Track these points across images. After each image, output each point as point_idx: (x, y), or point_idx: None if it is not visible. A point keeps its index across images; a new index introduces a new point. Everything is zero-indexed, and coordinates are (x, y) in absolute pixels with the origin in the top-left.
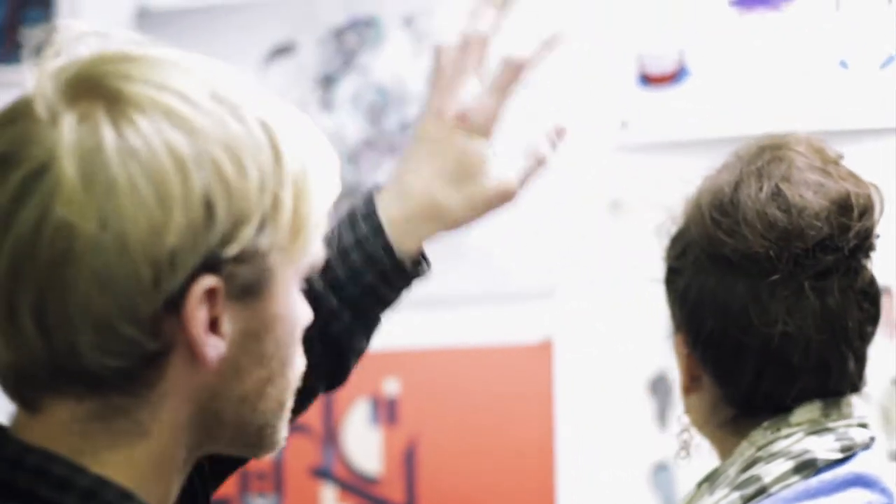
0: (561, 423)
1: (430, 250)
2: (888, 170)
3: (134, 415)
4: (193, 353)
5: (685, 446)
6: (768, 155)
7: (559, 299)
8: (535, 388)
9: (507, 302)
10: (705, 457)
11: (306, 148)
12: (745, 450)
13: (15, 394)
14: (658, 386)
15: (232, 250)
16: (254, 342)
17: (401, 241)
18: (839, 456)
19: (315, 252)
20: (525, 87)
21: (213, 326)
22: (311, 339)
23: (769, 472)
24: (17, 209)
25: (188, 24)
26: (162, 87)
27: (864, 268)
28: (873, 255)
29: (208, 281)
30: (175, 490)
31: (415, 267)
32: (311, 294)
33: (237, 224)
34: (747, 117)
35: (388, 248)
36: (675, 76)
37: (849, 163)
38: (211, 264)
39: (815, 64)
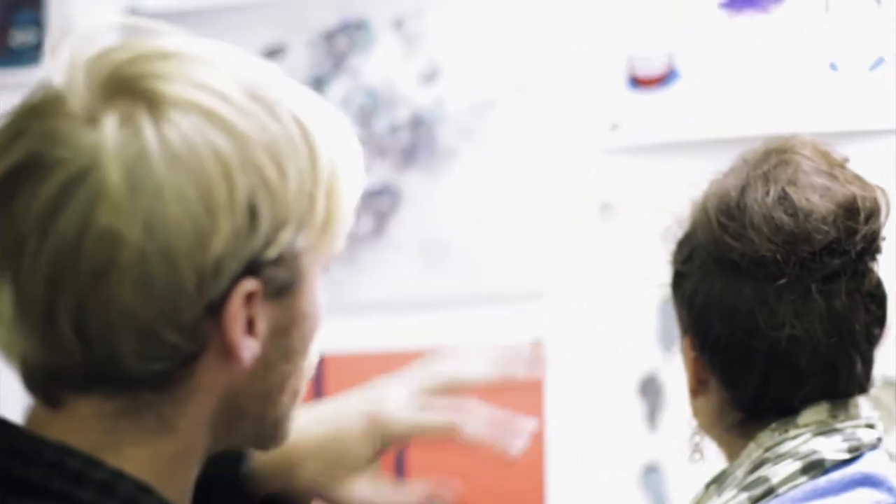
0: (550, 423)
1: (419, 254)
2: (879, 172)
3: (161, 411)
4: (228, 354)
5: (697, 449)
6: (774, 159)
7: (549, 301)
8: (525, 389)
9: (496, 304)
10: (696, 459)
11: (336, 143)
12: (753, 451)
13: (39, 390)
14: (648, 387)
15: (272, 253)
16: (282, 338)
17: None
18: (847, 456)
19: (338, 247)
20: (516, 89)
21: (249, 327)
22: None
23: (777, 472)
24: (56, 216)
25: (178, 26)
26: (201, 87)
27: (870, 270)
28: (879, 257)
29: (249, 285)
30: (192, 484)
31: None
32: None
33: (278, 227)
34: (737, 119)
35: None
36: (664, 78)
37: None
38: (252, 268)
39: (805, 66)
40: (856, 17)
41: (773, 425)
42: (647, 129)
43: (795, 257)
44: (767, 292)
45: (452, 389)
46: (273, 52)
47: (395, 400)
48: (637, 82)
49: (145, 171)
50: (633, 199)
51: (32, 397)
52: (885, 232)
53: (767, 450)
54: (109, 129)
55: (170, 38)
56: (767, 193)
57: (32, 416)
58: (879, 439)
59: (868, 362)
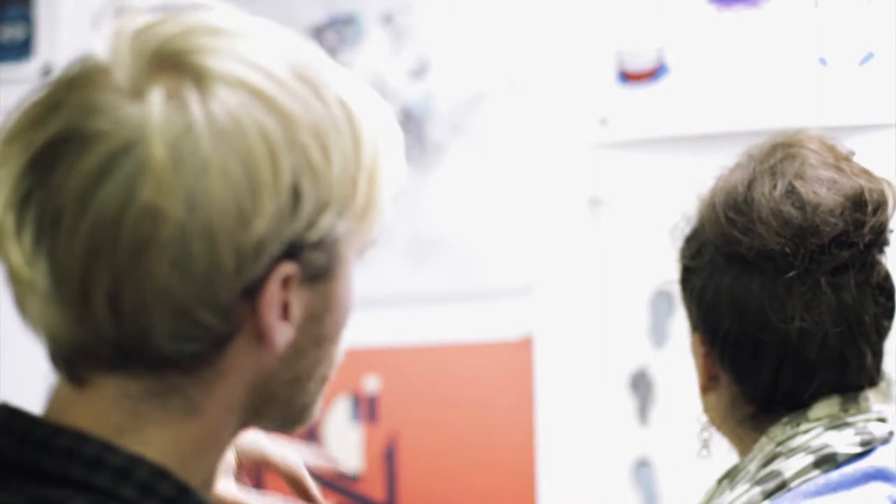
0: (541, 419)
1: (408, 249)
2: (869, 167)
3: (189, 393)
4: (260, 338)
5: (705, 445)
6: (781, 153)
7: (539, 296)
8: (516, 384)
9: (487, 298)
10: (688, 454)
11: (379, 129)
12: (765, 445)
13: (66, 366)
14: (639, 382)
15: (313, 237)
16: (315, 325)
17: None
18: (859, 450)
19: (374, 235)
20: (506, 84)
21: (284, 312)
22: None
23: (789, 466)
24: (97, 189)
25: None
26: (249, 64)
27: (878, 263)
28: (887, 249)
29: (287, 268)
30: (217, 469)
31: None
32: None
33: (320, 210)
34: (726, 114)
35: None
36: (654, 73)
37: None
38: (291, 251)
39: (795, 61)
40: (845, 11)
41: (785, 419)
42: (636, 123)
43: (804, 250)
44: (776, 286)
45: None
46: None
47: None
48: (626, 77)
49: (190, 147)
50: (622, 193)
51: (57, 374)
52: (892, 224)
53: (779, 444)
54: (155, 103)
55: (217, 13)
56: (775, 187)
57: (55, 396)
58: (891, 433)
59: (878, 354)
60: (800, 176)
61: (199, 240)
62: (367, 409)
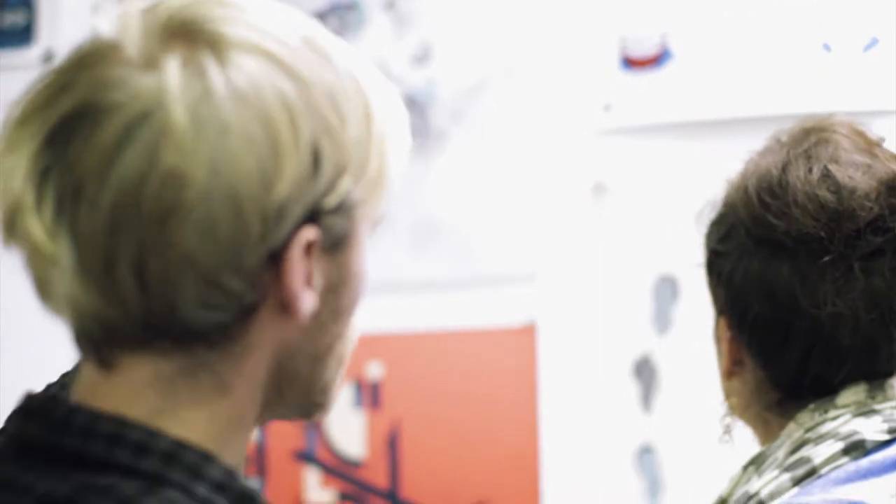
0: (545, 406)
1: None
2: None
3: (218, 370)
4: (285, 307)
5: (728, 430)
6: (814, 137)
7: (542, 282)
8: (519, 371)
9: (490, 285)
10: (692, 441)
11: (387, 105)
12: (793, 432)
13: (93, 348)
14: (642, 369)
15: (332, 201)
16: (333, 296)
17: None
18: (887, 437)
19: (383, 209)
20: (509, 70)
21: (307, 280)
22: None
23: (819, 453)
24: (117, 159)
25: None
26: (262, 31)
27: None
28: None
29: (309, 233)
30: (245, 451)
31: None
32: None
33: (338, 174)
34: (730, 100)
35: None
36: (657, 59)
37: None
38: (312, 215)
39: (799, 46)
40: None
41: (812, 406)
42: (640, 110)
43: (839, 234)
44: (809, 270)
45: None
46: None
47: None
48: (630, 63)
49: (211, 110)
50: (626, 180)
51: (84, 358)
52: None
53: (808, 430)
54: (171, 72)
55: None
56: (810, 171)
57: (85, 382)
58: None
59: None
60: (834, 160)
61: (224, 204)
62: (369, 395)
